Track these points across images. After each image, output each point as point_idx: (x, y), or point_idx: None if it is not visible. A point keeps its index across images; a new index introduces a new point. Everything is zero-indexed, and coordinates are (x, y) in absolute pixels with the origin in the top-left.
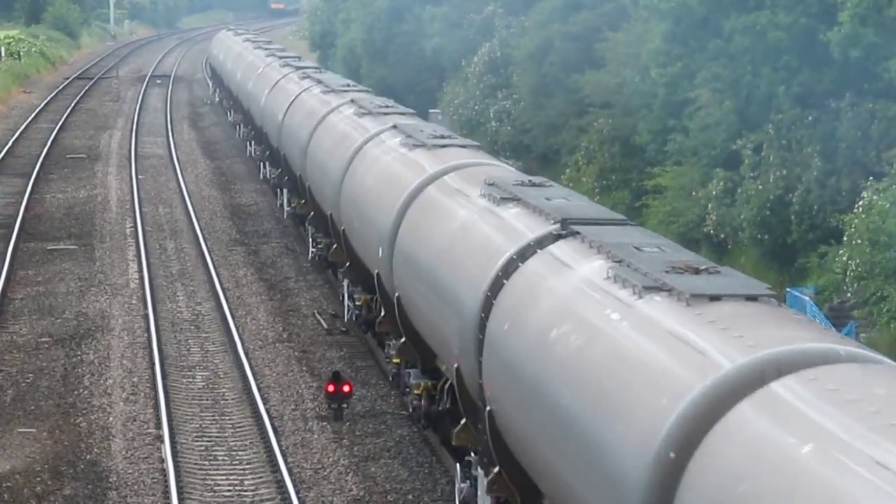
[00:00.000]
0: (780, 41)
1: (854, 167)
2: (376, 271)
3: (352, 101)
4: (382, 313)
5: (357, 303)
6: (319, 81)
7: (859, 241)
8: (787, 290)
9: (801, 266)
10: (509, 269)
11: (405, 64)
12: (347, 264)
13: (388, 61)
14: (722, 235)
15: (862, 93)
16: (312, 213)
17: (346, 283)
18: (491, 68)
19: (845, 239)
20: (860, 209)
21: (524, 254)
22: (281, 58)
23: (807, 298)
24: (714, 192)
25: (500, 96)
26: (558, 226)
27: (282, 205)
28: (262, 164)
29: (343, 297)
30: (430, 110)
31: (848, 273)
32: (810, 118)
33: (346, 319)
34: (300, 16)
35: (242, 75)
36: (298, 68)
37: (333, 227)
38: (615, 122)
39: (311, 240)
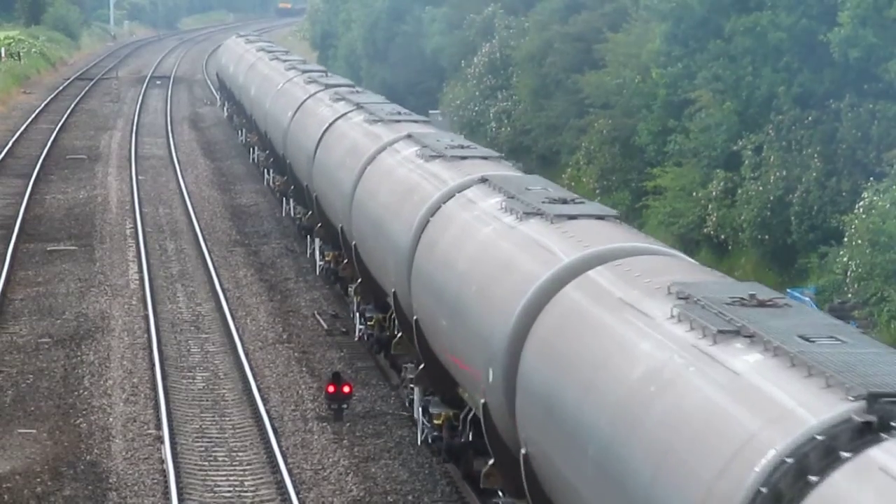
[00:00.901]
0: (780, 42)
1: (854, 168)
2: (392, 290)
3: (409, 135)
4: (399, 335)
5: (369, 322)
6: (359, 106)
7: (859, 242)
8: (788, 290)
9: (802, 266)
10: (546, 294)
11: (405, 64)
12: (359, 281)
13: (388, 62)
14: (722, 236)
15: (862, 93)
16: (320, 224)
17: (356, 300)
18: (491, 69)
19: (845, 240)
20: (860, 210)
21: (562, 278)
22: (304, 71)
23: (807, 299)
24: (714, 193)
25: (500, 97)
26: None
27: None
28: (285, 198)
29: (354, 315)
30: (430, 111)
31: (848, 274)
32: (810, 119)
33: (356, 338)
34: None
35: (258, 91)
36: (328, 86)
37: (343, 240)
38: (615, 122)
39: (318, 253)
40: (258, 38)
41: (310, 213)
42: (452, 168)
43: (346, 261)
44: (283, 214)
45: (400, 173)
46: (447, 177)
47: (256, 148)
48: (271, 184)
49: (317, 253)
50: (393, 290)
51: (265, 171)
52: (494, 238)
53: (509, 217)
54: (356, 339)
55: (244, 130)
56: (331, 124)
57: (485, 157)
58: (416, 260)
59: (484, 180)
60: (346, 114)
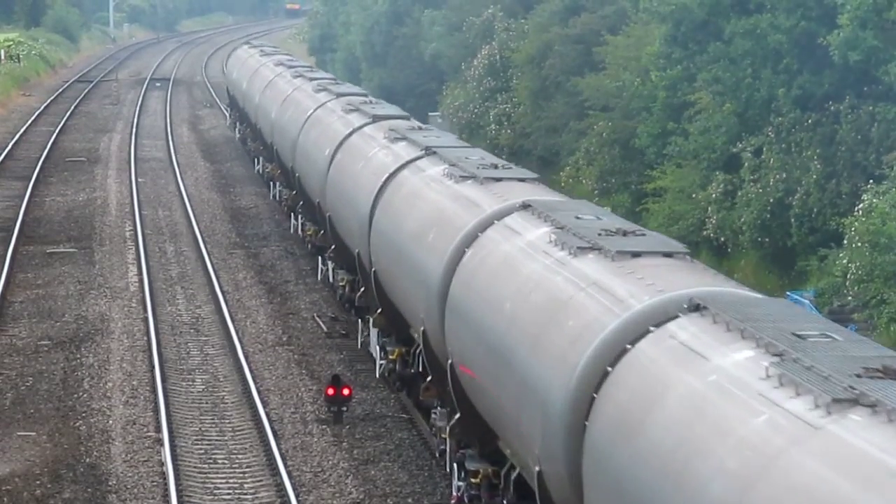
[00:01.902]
0: (780, 44)
1: (854, 170)
2: (422, 328)
3: (433, 152)
4: (428, 378)
5: (390, 356)
6: (429, 149)
7: (859, 245)
8: (787, 293)
9: (801, 269)
10: (615, 354)
11: (405, 67)
12: (379, 311)
13: (387, 64)
14: (722, 238)
15: (862, 96)
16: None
17: (375, 332)
18: (490, 71)
19: (845, 242)
20: (860, 212)
21: (634, 329)
22: (339, 95)
23: (807, 302)
24: (714, 195)
25: (500, 99)
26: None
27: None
28: (321, 260)
29: (375, 348)
30: (430, 113)
31: (848, 276)
32: (810, 121)
33: (377, 374)
34: None
35: (282, 116)
36: (377, 117)
37: (360, 266)
38: (615, 125)
39: (332, 276)
40: (275, 51)
41: (322, 232)
42: (487, 192)
43: (363, 288)
44: (291, 231)
45: (427, 196)
46: (483, 202)
47: (278, 183)
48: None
49: (330, 276)
50: (422, 327)
51: (295, 216)
52: (545, 276)
53: (560, 251)
54: (377, 375)
55: (261, 159)
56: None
57: (521, 179)
58: (452, 296)
59: (526, 206)
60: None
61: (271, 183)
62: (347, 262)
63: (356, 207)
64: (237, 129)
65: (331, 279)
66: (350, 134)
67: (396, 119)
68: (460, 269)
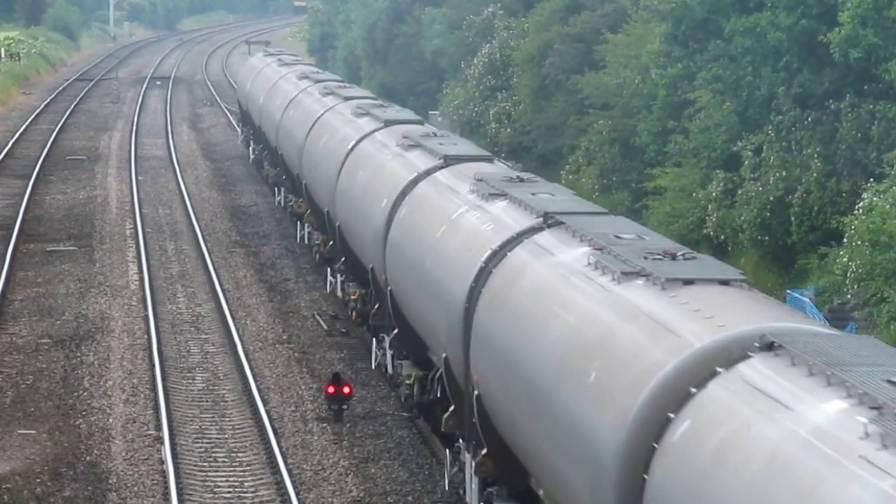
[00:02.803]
0: (780, 42)
1: (854, 168)
2: (444, 354)
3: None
4: (451, 408)
5: (407, 381)
6: (505, 196)
7: (859, 243)
8: (788, 291)
9: (802, 267)
10: (675, 393)
11: (405, 65)
12: (395, 332)
13: (388, 63)
14: (722, 237)
15: (862, 94)
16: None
17: (390, 353)
18: (491, 70)
19: (845, 240)
20: (860, 211)
21: (697, 370)
22: (388, 122)
23: (807, 300)
24: (714, 194)
25: (500, 98)
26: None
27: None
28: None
29: (392, 371)
30: (430, 112)
31: (848, 275)
32: (810, 119)
33: (402, 401)
34: None
35: (315, 146)
36: (449, 159)
37: (375, 282)
38: (615, 123)
39: (341, 291)
40: (295, 60)
41: (331, 242)
42: (512, 204)
43: (377, 305)
44: (298, 240)
45: (444, 207)
46: (509, 217)
47: (307, 224)
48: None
49: (338, 289)
50: (444, 354)
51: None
52: (587, 305)
53: (602, 277)
54: (402, 401)
55: (283, 190)
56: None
57: (551, 194)
58: (477, 322)
59: (558, 223)
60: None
61: (298, 222)
62: (360, 276)
63: (371, 222)
64: (251, 149)
65: (339, 293)
66: (419, 179)
67: (480, 161)
68: (486, 292)
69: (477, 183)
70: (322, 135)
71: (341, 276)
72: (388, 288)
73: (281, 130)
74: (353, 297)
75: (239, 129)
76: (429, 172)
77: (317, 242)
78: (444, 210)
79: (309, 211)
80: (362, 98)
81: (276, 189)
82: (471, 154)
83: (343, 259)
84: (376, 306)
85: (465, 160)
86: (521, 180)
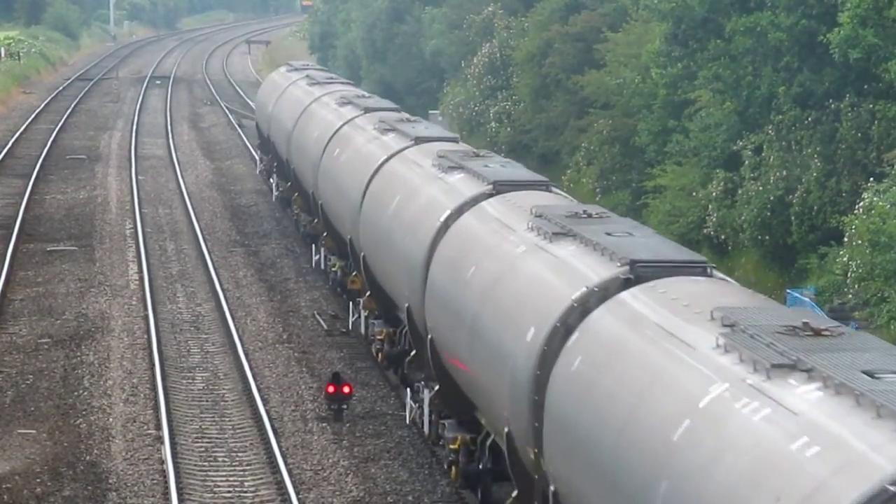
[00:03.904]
0: (780, 42)
1: (854, 168)
2: (506, 429)
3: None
4: (413, 353)
5: (379, 336)
6: (571, 235)
7: (859, 243)
8: (788, 291)
9: (802, 267)
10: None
11: (405, 65)
12: (436, 388)
13: (388, 62)
14: (722, 236)
15: (862, 94)
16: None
17: (428, 403)
18: (491, 69)
19: (845, 240)
20: (860, 210)
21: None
22: (499, 184)
23: (807, 300)
24: (714, 193)
25: (500, 97)
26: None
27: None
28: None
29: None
30: (430, 111)
31: (848, 274)
32: (810, 119)
33: (375, 356)
34: None
35: (378, 202)
36: (555, 236)
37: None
38: (615, 122)
39: (365, 326)
40: (330, 79)
41: (354, 273)
42: (587, 250)
43: (414, 352)
44: (313, 265)
45: (497, 246)
46: (585, 267)
47: (376, 322)
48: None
49: (362, 325)
50: (507, 429)
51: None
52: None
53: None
54: (374, 355)
55: (319, 247)
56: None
57: (630, 233)
58: (550, 398)
59: (637, 280)
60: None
61: (338, 288)
62: (387, 312)
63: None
64: (274, 183)
65: (362, 328)
66: (464, 208)
67: (534, 189)
68: (561, 362)
69: (536, 218)
70: (390, 188)
71: (366, 311)
72: (429, 336)
73: (323, 175)
74: (380, 337)
75: (257, 157)
76: (476, 200)
77: (334, 269)
78: (496, 247)
79: (368, 294)
80: (444, 140)
81: (314, 246)
82: (525, 180)
83: (368, 294)
84: (412, 353)
85: (519, 187)
86: (590, 216)
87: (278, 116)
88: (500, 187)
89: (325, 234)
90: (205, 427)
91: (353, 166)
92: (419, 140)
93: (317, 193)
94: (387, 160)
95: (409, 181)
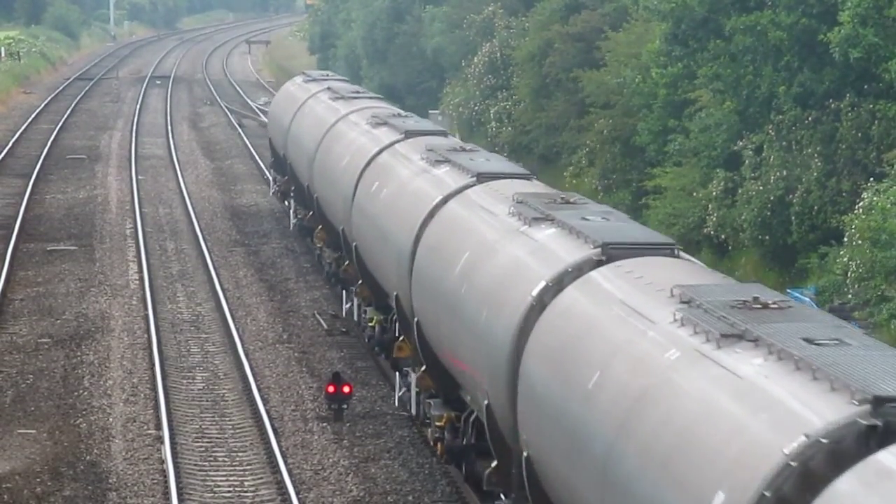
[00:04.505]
0: (780, 41)
1: (854, 168)
2: (525, 453)
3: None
4: (400, 338)
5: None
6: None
7: (860, 242)
8: (788, 290)
9: (802, 267)
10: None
11: (405, 64)
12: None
13: (388, 62)
14: (722, 236)
15: (862, 93)
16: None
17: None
18: (491, 69)
19: (846, 240)
20: (860, 210)
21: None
22: (536, 218)
23: (807, 299)
24: (714, 193)
25: (501, 97)
26: (598, 250)
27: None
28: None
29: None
30: (430, 111)
31: (849, 274)
32: (811, 119)
33: (367, 343)
34: None
35: (436, 258)
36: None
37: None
38: (615, 122)
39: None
40: (356, 94)
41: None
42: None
43: (401, 337)
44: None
45: (488, 236)
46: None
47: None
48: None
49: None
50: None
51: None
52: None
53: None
54: (367, 341)
55: (351, 295)
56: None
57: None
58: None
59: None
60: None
61: (372, 338)
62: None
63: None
64: (291, 209)
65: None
66: (565, 282)
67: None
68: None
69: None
70: (454, 238)
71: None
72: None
73: (358, 214)
74: (418, 391)
75: (270, 178)
76: (582, 267)
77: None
78: (477, 232)
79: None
80: (516, 177)
81: (346, 292)
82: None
83: (401, 339)
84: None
85: (502, 178)
86: (568, 202)
87: (297, 135)
88: (612, 251)
89: (360, 281)
90: (205, 427)
91: (401, 208)
92: (482, 177)
93: (350, 232)
94: (444, 202)
95: (483, 236)
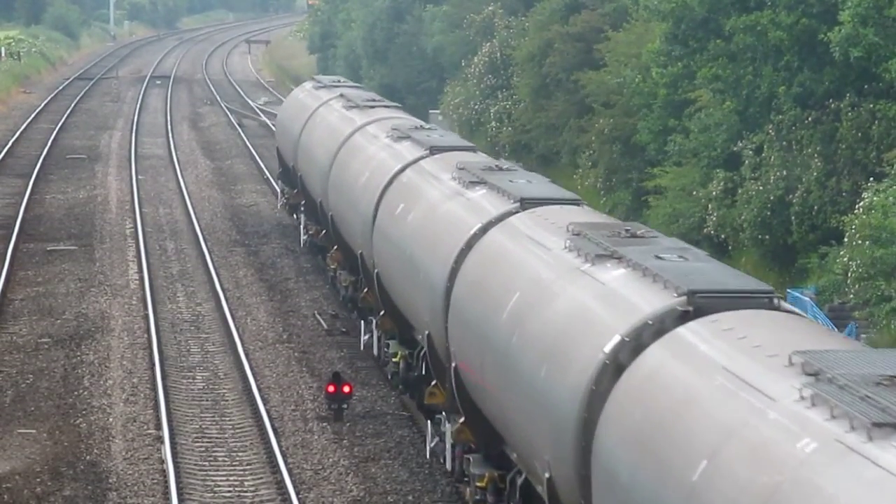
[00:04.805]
0: (780, 41)
1: (854, 168)
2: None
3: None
4: (433, 382)
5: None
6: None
7: (860, 242)
8: (788, 290)
9: (802, 267)
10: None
11: (405, 64)
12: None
13: (388, 61)
14: (722, 236)
15: (862, 93)
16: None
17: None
18: (491, 69)
19: (846, 240)
20: (860, 210)
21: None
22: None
23: (807, 299)
24: (714, 193)
25: (501, 97)
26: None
27: None
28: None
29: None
30: (431, 111)
31: (849, 274)
32: (811, 119)
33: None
34: None
35: (476, 291)
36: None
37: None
38: (616, 122)
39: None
40: (371, 102)
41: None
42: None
43: (434, 382)
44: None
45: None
46: (765, 382)
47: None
48: None
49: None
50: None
51: None
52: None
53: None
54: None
55: (370, 326)
56: None
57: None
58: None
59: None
60: None
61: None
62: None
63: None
64: (302, 226)
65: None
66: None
67: None
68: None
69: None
70: (496, 267)
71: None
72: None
73: (381, 239)
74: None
75: (278, 190)
76: (664, 319)
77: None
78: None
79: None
80: (564, 202)
81: (363, 322)
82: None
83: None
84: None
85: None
86: (634, 235)
87: (308, 146)
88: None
89: (382, 312)
90: (205, 427)
91: (433, 235)
92: (525, 203)
93: (370, 257)
94: (483, 230)
95: (536, 274)
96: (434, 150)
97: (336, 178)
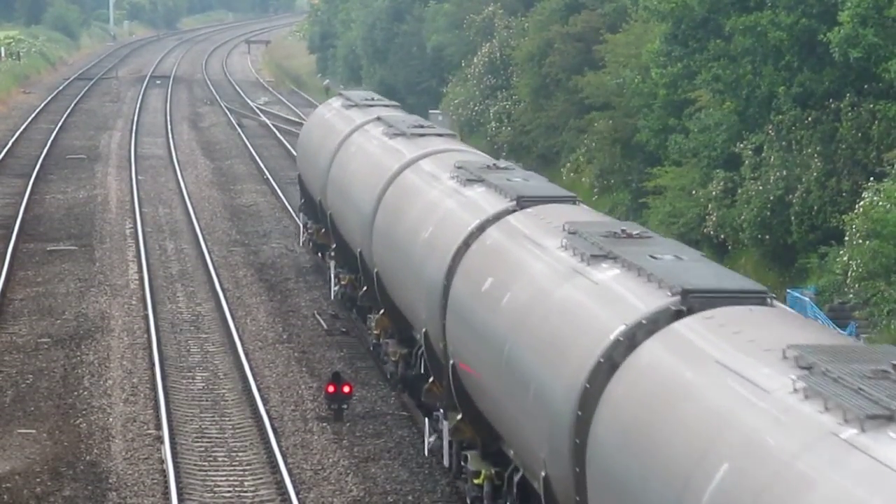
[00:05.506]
0: (780, 41)
1: (854, 168)
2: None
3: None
4: (430, 379)
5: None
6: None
7: (860, 241)
8: (788, 290)
9: (802, 266)
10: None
11: (405, 64)
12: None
13: (388, 61)
14: (722, 236)
15: (862, 93)
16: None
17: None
18: (491, 69)
19: (846, 239)
20: (860, 210)
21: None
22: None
23: (807, 299)
24: (714, 193)
25: (500, 97)
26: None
27: None
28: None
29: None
30: (430, 111)
31: (849, 274)
32: (810, 119)
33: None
34: None
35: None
36: None
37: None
38: (615, 122)
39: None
40: (418, 128)
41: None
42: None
43: (431, 379)
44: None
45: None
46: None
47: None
48: None
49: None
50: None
51: None
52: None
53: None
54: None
55: (438, 421)
56: None
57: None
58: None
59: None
60: None
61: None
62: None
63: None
64: (333, 273)
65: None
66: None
67: None
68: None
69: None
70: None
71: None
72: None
73: (456, 324)
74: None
75: (300, 224)
76: (658, 319)
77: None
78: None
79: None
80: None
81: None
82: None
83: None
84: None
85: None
86: (629, 235)
87: (342, 182)
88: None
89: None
90: (205, 427)
91: (549, 337)
92: (523, 201)
93: (439, 339)
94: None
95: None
96: (522, 200)
97: (384, 230)
